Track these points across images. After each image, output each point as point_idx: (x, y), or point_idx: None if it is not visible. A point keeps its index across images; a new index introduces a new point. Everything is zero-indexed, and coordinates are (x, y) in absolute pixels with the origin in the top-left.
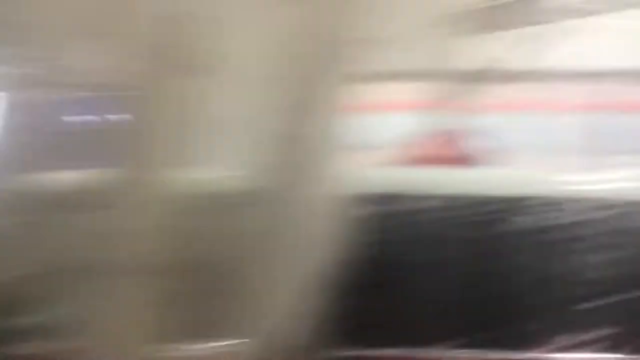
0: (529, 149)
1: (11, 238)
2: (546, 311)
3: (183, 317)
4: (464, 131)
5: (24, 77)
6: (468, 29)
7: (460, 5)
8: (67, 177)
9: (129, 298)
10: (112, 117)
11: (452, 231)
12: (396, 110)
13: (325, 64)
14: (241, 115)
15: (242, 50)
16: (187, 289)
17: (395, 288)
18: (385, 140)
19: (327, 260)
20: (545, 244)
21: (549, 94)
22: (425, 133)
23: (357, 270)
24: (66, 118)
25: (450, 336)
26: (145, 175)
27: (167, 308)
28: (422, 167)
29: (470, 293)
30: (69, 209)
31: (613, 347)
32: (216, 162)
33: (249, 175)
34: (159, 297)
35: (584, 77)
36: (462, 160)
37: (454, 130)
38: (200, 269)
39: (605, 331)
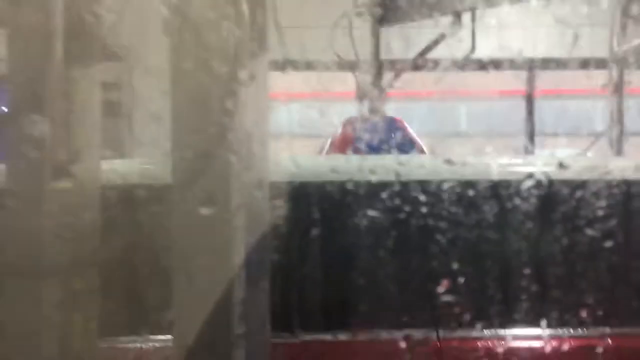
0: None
1: None
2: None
3: (108, 314)
4: (389, 119)
5: None
6: (397, 16)
7: None
8: None
9: (48, 298)
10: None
11: (384, 217)
12: (319, 99)
13: (245, 51)
14: (154, 106)
15: (150, 39)
16: (109, 285)
17: (331, 274)
18: (310, 129)
19: (259, 248)
20: (478, 224)
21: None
22: (350, 121)
23: (289, 258)
24: None
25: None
26: (54, 169)
27: (90, 306)
28: (347, 154)
29: (409, 274)
30: None
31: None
32: (129, 153)
33: (165, 166)
34: (81, 296)
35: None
36: (389, 147)
37: (378, 118)
38: (122, 264)
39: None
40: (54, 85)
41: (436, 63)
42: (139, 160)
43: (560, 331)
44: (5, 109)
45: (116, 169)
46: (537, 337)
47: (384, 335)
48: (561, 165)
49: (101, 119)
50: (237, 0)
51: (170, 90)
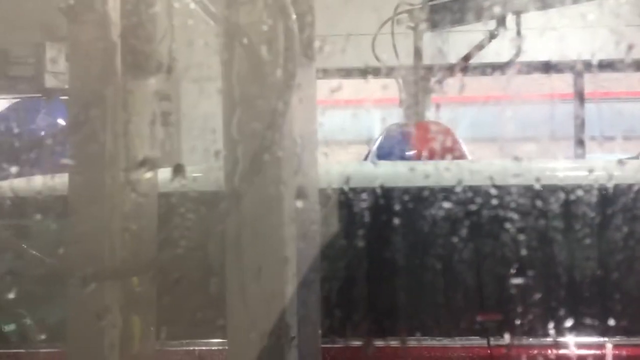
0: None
1: None
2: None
3: (164, 318)
4: (436, 125)
5: None
6: (440, 21)
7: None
8: (34, 182)
9: (109, 301)
10: (71, 120)
11: (431, 222)
12: (366, 106)
13: (293, 59)
14: (204, 115)
15: (199, 50)
16: (165, 290)
17: (379, 279)
18: (357, 135)
19: (310, 253)
20: (528, 231)
21: (519, 85)
22: (395, 127)
23: (339, 262)
24: (29, 122)
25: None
26: (111, 178)
27: (148, 310)
28: (396, 160)
29: (458, 282)
30: (40, 214)
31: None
32: (182, 162)
33: (216, 174)
34: (139, 299)
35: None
36: (434, 153)
37: (424, 124)
38: (177, 269)
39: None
40: (113, 97)
41: (481, 67)
42: (191, 168)
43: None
44: (62, 121)
45: (170, 176)
46: (594, 346)
47: (440, 342)
48: (620, 166)
49: (157, 129)
50: (286, 9)
51: (220, 99)
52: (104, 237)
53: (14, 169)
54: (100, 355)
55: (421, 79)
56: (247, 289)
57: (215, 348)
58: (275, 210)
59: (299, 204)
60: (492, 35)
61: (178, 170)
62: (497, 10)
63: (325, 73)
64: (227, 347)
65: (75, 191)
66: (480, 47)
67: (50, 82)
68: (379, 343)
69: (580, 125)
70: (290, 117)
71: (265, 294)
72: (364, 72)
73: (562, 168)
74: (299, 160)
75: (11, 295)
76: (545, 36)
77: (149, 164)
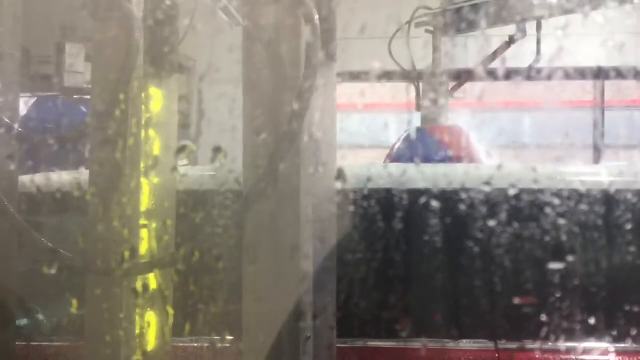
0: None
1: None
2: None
3: (181, 315)
4: (454, 129)
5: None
6: (459, 26)
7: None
8: (61, 178)
9: (125, 298)
10: (91, 119)
11: (447, 225)
12: (382, 110)
13: (314, 61)
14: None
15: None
16: (182, 287)
17: (396, 280)
18: (373, 139)
19: (327, 254)
20: (545, 234)
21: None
22: (413, 132)
23: (354, 263)
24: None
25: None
26: (131, 175)
27: (164, 306)
28: (411, 163)
29: (473, 285)
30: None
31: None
32: (201, 160)
33: (235, 173)
34: (155, 296)
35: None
36: (452, 156)
37: (442, 129)
38: (194, 267)
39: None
40: (134, 96)
41: (500, 73)
42: (210, 167)
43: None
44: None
45: (189, 175)
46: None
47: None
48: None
49: (176, 128)
50: (308, 12)
51: (242, 99)
52: (123, 234)
53: (35, 165)
54: (117, 350)
55: (440, 84)
56: (263, 289)
57: (232, 345)
58: (293, 210)
59: (317, 203)
60: (511, 41)
61: (182, 150)
62: (516, 15)
63: (343, 77)
64: (243, 345)
65: (96, 188)
66: (499, 52)
67: (69, 81)
68: (399, 344)
69: (599, 132)
70: (311, 119)
71: (280, 294)
72: (381, 76)
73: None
74: (318, 161)
75: (31, 290)
76: (565, 42)
77: (168, 162)
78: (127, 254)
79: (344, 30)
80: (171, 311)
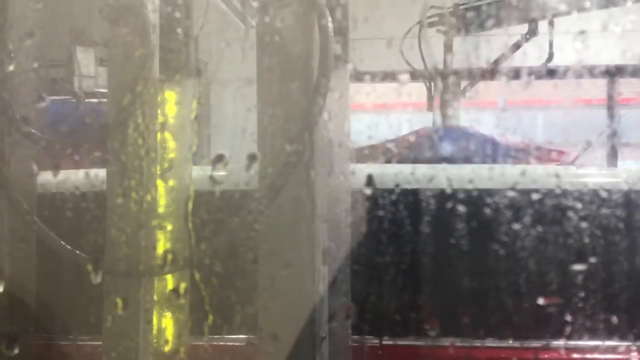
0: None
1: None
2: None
3: (197, 313)
4: (466, 129)
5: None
6: (471, 25)
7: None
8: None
9: (144, 297)
10: (109, 120)
11: (460, 225)
12: (391, 109)
13: (328, 62)
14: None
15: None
16: (198, 286)
17: (408, 279)
18: (382, 138)
19: (341, 253)
20: (558, 235)
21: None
22: (422, 131)
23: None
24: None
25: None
26: (147, 177)
27: (182, 305)
28: (422, 163)
29: (486, 285)
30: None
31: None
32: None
33: (249, 173)
34: (173, 295)
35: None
36: (464, 156)
37: (454, 128)
38: (210, 266)
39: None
40: (150, 98)
41: (512, 72)
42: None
43: None
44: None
45: (204, 175)
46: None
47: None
48: None
49: (191, 130)
50: (321, 14)
51: (256, 100)
52: (140, 234)
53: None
54: (134, 349)
55: (451, 83)
56: (279, 289)
57: (248, 344)
58: (308, 210)
59: (331, 203)
60: (523, 40)
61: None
62: (529, 14)
63: (355, 77)
64: (259, 344)
65: (113, 190)
66: (511, 51)
67: (80, 84)
68: (415, 343)
69: (613, 131)
70: (324, 119)
71: (296, 294)
72: (392, 76)
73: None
74: (332, 161)
75: (49, 290)
76: (577, 40)
77: (183, 163)
78: (143, 255)
79: (356, 30)
80: (186, 311)
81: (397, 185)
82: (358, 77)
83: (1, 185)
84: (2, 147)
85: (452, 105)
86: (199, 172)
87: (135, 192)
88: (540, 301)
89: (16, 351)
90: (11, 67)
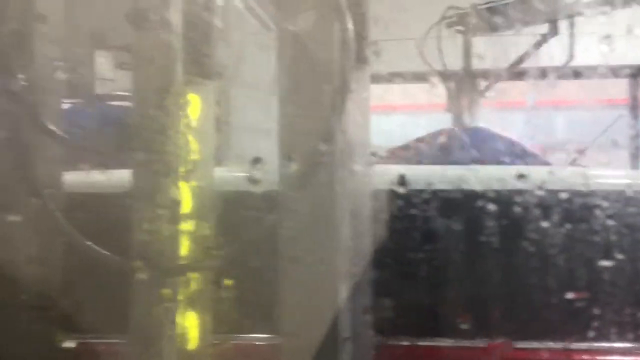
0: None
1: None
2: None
3: (221, 313)
4: (485, 130)
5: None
6: (490, 25)
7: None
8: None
9: (168, 296)
10: (133, 123)
11: (479, 225)
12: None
13: (348, 64)
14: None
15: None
16: (223, 287)
17: (430, 280)
18: (399, 140)
19: (363, 253)
20: (578, 236)
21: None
22: (443, 132)
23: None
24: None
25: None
26: (171, 178)
27: (205, 304)
28: (439, 164)
29: (507, 285)
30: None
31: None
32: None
33: (271, 175)
34: (196, 295)
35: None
36: (483, 158)
37: (474, 130)
38: (232, 266)
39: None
40: (173, 101)
41: (532, 72)
42: (243, 168)
43: None
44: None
45: (226, 177)
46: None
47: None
48: None
49: (214, 132)
50: (342, 15)
51: (277, 103)
52: (165, 235)
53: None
54: (159, 348)
55: (471, 84)
56: (302, 289)
57: (271, 344)
58: (329, 212)
59: (353, 205)
60: (544, 39)
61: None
62: (549, 13)
63: (375, 78)
64: (282, 344)
65: (138, 191)
66: (531, 51)
67: (100, 88)
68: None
69: (635, 133)
70: (345, 121)
71: (319, 295)
72: (411, 77)
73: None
74: (353, 163)
75: (77, 290)
76: (598, 40)
77: (207, 164)
78: (168, 255)
79: (376, 31)
80: (211, 311)
81: (429, 185)
82: (377, 78)
83: (30, 187)
84: (29, 148)
85: (472, 106)
86: (222, 173)
87: (159, 193)
88: (571, 298)
89: (51, 352)
90: (36, 71)
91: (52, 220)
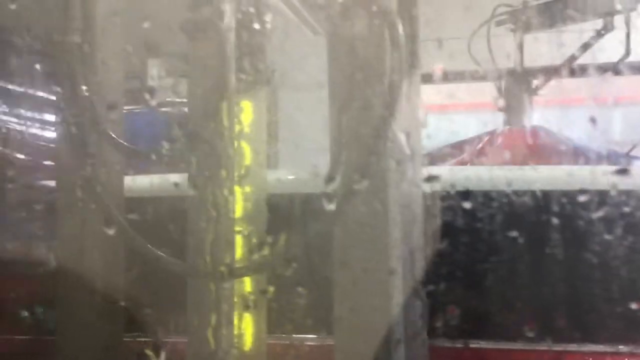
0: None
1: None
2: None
3: (275, 314)
4: (539, 129)
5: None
6: (530, 25)
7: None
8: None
9: (223, 298)
10: (189, 130)
11: (532, 227)
12: (463, 110)
13: (399, 66)
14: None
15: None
16: (278, 287)
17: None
18: (455, 140)
19: (417, 255)
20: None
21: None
22: (493, 132)
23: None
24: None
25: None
26: (225, 183)
27: (261, 305)
28: (493, 164)
29: (557, 288)
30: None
31: None
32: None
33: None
34: (252, 296)
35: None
36: (537, 158)
37: (527, 129)
38: (290, 268)
39: None
40: (227, 109)
41: (587, 69)
42: (295, 171)
43: None
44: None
45: (278, 179)
46: None
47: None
48: None
49: (266, 137)
50: (392, 17)
51: (328, 106)
52: (219, 239)
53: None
54: (217, 348)
55: (523, 82)
56: (354, 292)
57: (322, 345)
58: (381, 215)
59: (405, 206)
60: (598, 35)
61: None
62: (604, 8)
63: (424, 79)
64: (333, 346)
65: (194, 195)
66: (586, 47)
67: (153, 95)
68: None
69: None
70: (397, 122)
71: (371, 297)
72: (461, 76)
73: None
74: (405, 164)
75: (138, 293)
76: None
77: (259, 169)
78: (223, 258)
79: (425, 31)
80: (265, 312)
81: (494, 187)
82: (427, 79)
83: (91, 191)
84: (91, 154)
85: (524, 105)
86: (274, 177)
87: (214, 198)
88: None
89: (116, 351)
90: (99, 79)
91: (116, 224)
